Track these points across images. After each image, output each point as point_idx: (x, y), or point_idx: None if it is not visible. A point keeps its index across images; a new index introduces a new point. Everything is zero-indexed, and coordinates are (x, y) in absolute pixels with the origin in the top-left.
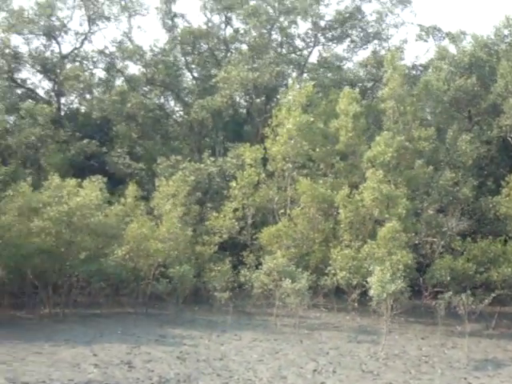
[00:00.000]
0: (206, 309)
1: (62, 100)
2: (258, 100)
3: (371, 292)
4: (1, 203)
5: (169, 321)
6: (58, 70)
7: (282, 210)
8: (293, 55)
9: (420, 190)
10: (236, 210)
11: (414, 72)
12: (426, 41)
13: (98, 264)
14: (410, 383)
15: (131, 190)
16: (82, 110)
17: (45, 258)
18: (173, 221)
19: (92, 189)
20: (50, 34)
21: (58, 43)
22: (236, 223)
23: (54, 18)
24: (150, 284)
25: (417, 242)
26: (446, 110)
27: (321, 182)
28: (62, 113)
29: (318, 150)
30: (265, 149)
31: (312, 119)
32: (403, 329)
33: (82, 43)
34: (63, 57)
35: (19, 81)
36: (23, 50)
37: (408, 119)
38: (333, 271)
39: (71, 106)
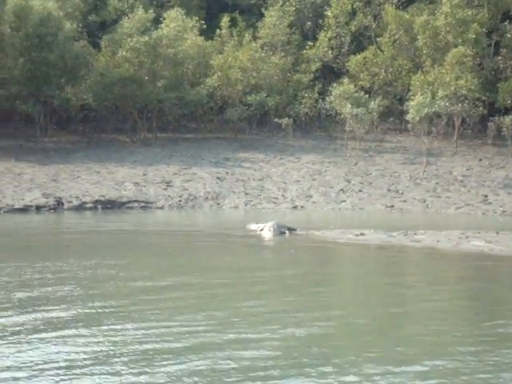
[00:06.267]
0: (296, 135)
1: None
2: None
3: (407, 116)
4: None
5: (247, 146)
6: None
7: (379, 38)
8: None
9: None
10: (331, 38)
11: None
12: None
13: (179, 92)
14: (427, 200)
15: (225, 21)
16: None
17: (129, 85)
18: (252, 50)
19: (173, 20)
20: None
21: None
22: (330, 52)
23: None
24: (236, 110)
25: (501, 65)
26: None
27: (408, 9)
28: None
29: None
30: None
31: None
32: (470, 150)
33: None
34: None
35: None
36: None
37: None
38: (412, 97)
39: None
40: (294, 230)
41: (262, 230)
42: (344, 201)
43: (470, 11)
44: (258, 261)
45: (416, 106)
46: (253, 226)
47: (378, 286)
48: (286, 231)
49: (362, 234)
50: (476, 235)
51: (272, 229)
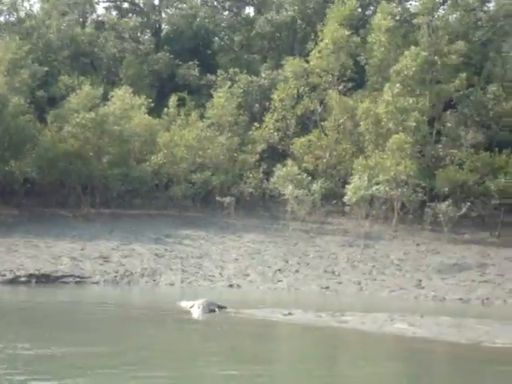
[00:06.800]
0: (240, 213)
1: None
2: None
3: (345, 198)
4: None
5: (190, 223)
6: None
7: (324, 122)
8: None
9: (457, 103)
10: (277, 121)
11: None
12: None
13: (124, 169)
14: (362, 282)
15: (173, 100)
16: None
17: (73, 161)
18: (198, 129)
19: (120, 98)
20: None
21: None
22: (275, 134)
23: None
24: (180, 188)
25: (441, 153)
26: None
27: (353, 96)
28: (164, 29)
29: (352, 64)
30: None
31: (348, 33)
32: (409, 235)
33: None
34: None
35: None
36: None
37: (439, 34)
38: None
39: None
40: (224, 307)
41: (191, 307)
42: (280, 280)
43: (411, 100)
44: (171, 335)
45: (353, 188)
46: (183, 304)
47: (281, 362)
48: (216, 309)
49: (290, 314)
50: (401, 318)
51: (201, 306)
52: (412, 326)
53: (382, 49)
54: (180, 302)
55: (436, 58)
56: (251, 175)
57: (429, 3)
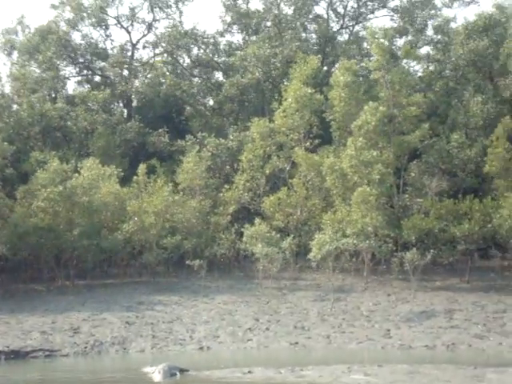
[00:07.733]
0: (214, 275)
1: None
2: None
3: (310, 254)
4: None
5: (163, 288)
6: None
7: (291, 180)
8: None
9: (423, 153)
10: (247, 181)
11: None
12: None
13: (96, 239)
14: (331, 336)
15: (141, 168)
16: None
17: (44, 235)
18: (165, 195)
19: (88, 169)
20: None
21: (128, 32)
22: (246, 194)
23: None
24: (152, 254)
25: (407, 203)
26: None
27: (318, 152)
28: (135, 99)
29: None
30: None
31: (310, 91)
32: (380, 286)
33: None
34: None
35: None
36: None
37: (396, 88)
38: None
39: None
40: (187, 370)
41: (153, 372)
42: (250, 340)
43: (375, 152)
44: None
45: (317, 244)
46: (147, 369)
47: None
48: (177, 372)
49: (249, 372)
50: (359, 369)
51: (162, 371)
52: (367, 375)
53: (343, 104)
54: (144, 367)
55: (395, 111)
56: (224, 236)
57: (382, 60)
